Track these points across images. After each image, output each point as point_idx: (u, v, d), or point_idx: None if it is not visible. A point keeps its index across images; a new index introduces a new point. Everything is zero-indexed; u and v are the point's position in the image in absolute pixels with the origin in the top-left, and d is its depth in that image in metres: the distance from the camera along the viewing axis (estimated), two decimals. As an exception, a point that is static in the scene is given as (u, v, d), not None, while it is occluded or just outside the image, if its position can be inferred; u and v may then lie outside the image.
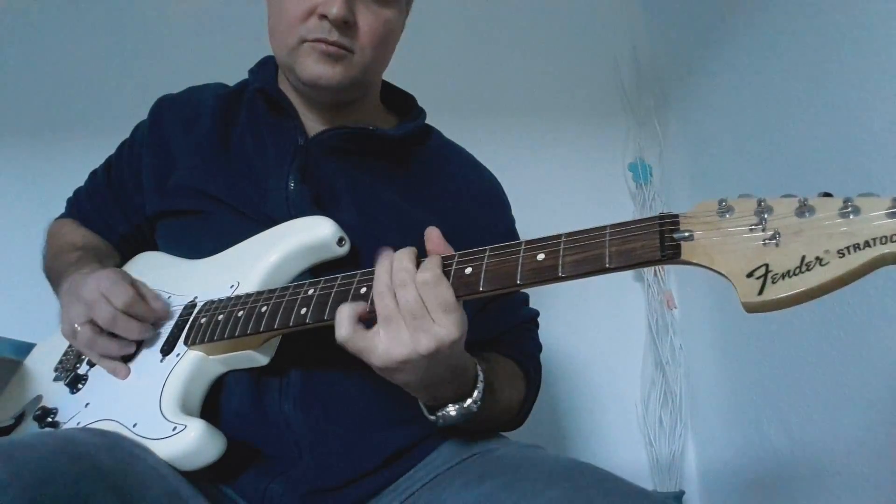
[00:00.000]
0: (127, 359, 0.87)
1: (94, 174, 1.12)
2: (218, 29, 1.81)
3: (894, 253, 0.44)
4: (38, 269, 1.07)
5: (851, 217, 0.47)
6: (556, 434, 1.79)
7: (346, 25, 0.86)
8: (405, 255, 0.69)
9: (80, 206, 1.11)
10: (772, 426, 1.46)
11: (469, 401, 0.75)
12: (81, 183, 1.15)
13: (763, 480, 1.50)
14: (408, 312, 0.66)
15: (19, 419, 0.92)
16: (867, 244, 0.45)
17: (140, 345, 0.88)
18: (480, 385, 0.76)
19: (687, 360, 1.81)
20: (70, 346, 0.97)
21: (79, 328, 0.84)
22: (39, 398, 0.92)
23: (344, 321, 0.69)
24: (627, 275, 1.87)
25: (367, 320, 0.70)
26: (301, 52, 0.88)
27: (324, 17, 0.85)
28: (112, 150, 1.12)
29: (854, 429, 1.22)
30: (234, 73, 1.07)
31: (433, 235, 0.72)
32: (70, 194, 1.16)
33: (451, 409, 0.75)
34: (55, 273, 0.99)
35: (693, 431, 1.80)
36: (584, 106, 1.96)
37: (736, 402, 1.61)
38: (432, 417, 0.76)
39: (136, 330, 0.85)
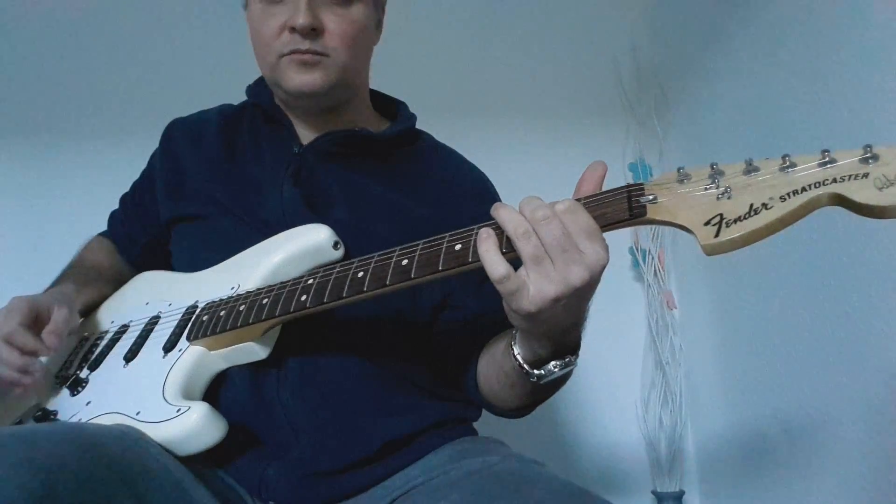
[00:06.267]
0: (128, 358, 0.95)
1: (123, 197, 1.25)
2: (221, 44, 1.85)
3: (828, 193, 0.54)
4: (46, 273, 1.15)
5: (789, 171, 0.57)
6: (556, 434, 1.85)
7: (314, 32, 0.95)
8: (533, 198, 0.69)
9: (113, 223, 1.25)
10: (771, 426, 1.51)
11: (571, 357, 0.78)
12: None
13: (763, 480, 1.54)
14: (556, 247, 0.65)
15: (9, 426, 0.95)
16: (804, 189, 0.55)
17: (141, 344, 0.96)
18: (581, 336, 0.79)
19: (687, 360, 1.86)
20: (71, 354, 1.05)
21: None
22: (38, 405, 0.97)
23: (496, 259, 0.68)
24: (627, 275, 1.94)
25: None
26: (281, 66, 0.97)
27: (293, 29, 0.94)
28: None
29: (854, 429, 1.26)
30: (238, 89, 1.15)
31: (598, 172, 0.73)
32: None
33: (553, 366, 0.78)
34: (57, 284, 1.10)
35: (693, 431, 1.86)
36: (584, 106, 2.03)
37: (736, 402, 1.66)
38: (536, 373, 0.79)
39: (16, 361, 0.90)
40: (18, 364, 0.89)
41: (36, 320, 0.93)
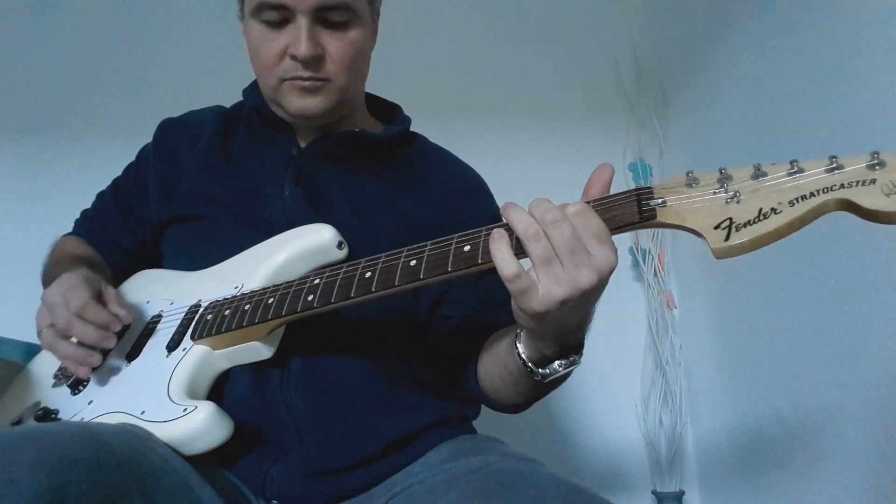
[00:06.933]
0: (131, 357, 0.95)
1: (101, 195, 1.23)
2: (217, 50, 1.87)
3: (836, 199, 0.56)
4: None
5: (797, 176, 0.59)
6: (556, 435, 1.86)
7: (315, 60, 0.96)
8: (543, 200, 0.70)
9: (87, 224, 1.21)
10: (772, 426, 1.52)
11: (575, 356, 0.79)
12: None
13: (763, 480, 1.56)
14: (565, 249, 0.66)
15: (16, 425, 0.95)
16: (812, 194, 0.57)
17: (144, 343, 0.96)
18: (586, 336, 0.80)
19: (687, 360, 1.88)
20: None
21: (43, 331, 0.92)
22: (38, 404, 0.97)
23: (508, 258, 0.68)
24: (627, 275, 1.96)
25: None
26: (283, 90, 0.98)
27: (295, 56, 0.95)
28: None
29: (853, 429, 1.27)
30: (231, 91, 1.15)
31: (606, 174, 0.74)
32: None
33: (557, 365, 0.79)
34: (49, 281, 1.06)
35: (693, 431, 1.87)
36: (584, 106, 2.04)
37: (736, 402, 1.67)
38: (540, 372, 0.80)
39: (92, 335, 0.89)
40: (94, 338, 0.89)
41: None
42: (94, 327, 0.89)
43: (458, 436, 0.96)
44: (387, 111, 1.16)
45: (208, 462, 0.84)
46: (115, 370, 0.95)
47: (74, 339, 0.90)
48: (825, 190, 0.56)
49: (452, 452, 0.91)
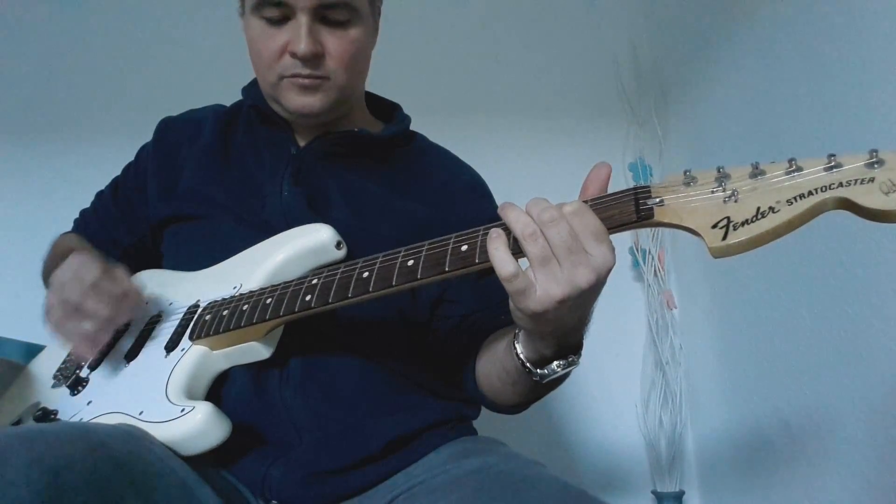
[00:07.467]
0: (130, 357, 0.95)
1: (100, 194, 1.23)
2: (216, 48, 1.88)
3: (834, 197, 0.55)
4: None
5: (796, 174, 0.58)
6: (556, 434, 1.86)
7: (315, 58, 0.96)
8: (541, 199, 0.70)
9: (87, 223, 1.22)
10: (772, 426, 1.52)
11: (574, 356, 0.79)
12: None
13: (763, 480, 1.55)
14: (563, 248, 0.66)
15: (16, 426, 0.95)
16: (811, 193, 0.56)
17: (143, 343, 0.96)
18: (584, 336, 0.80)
19: (687, 360, 1.88)
20: (71, 352, 1.04)
21: (53, 307, 0.91)
22: (37, 405, 0.97)
23: (506, 258, 0.68)
24: (627, 275, 1.96)
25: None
26: (282, 87, 0.98)
27: (294, 54, 0.95)
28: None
29: (854, 428, 1.27)
30: (230, 90, 1.16)
31: (603, 173, 0.73)
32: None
33: (556, 366, 0.79)
34: (50, 276, 1.07)
35: (693, 431, 1.87)
36: (584, 106, 2.04)
37: (736, 402, 1.67)
38: (539, 372, 0.80)
39: (105, 308, 0.88)
40: (107, 315, 0.88)
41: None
42: (108, 301, 0.89)
43: (459, 437, 0.96)
44: (386, 110, 1.16)
45: (207, 462, 0.84)
46: (114, 370, 0.95)
47: (86, 322, 0.89)
48: (823, 188, 0.55)
49: (454, 454, 0.91)
